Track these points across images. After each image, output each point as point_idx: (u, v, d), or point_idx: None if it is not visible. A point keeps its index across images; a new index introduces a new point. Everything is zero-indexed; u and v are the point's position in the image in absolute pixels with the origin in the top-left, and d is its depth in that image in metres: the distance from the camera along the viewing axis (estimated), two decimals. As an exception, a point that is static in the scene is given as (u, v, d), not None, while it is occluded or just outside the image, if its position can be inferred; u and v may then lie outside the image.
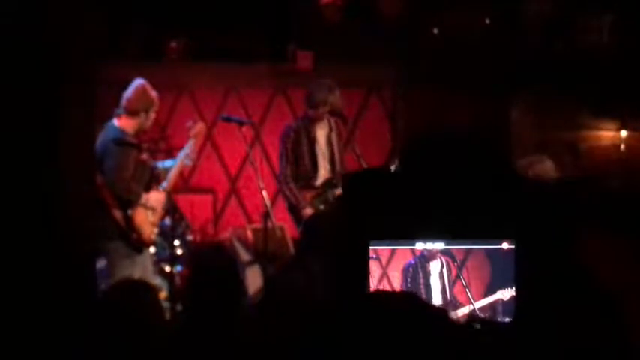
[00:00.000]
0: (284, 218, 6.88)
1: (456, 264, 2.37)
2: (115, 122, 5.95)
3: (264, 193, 6.24)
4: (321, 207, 6.55)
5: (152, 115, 6.06)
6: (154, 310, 3.01)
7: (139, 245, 5.89)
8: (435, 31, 8.85)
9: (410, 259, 2.40)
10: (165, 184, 6.05)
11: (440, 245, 2.37)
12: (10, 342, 3.16)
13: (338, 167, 6.70)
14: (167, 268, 6.44)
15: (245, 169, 8.12)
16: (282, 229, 6.63)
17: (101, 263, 6.01)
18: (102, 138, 5.87)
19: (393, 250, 2.44)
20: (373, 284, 2.38)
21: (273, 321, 3.14)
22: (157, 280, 6.33)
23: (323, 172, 6.66)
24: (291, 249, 6.84)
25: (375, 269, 2.37)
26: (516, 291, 2.36)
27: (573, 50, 8.67)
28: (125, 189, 5.82)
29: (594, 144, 8.73)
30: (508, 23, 8.82)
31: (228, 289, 3.37)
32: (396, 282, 2.39)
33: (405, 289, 2.37)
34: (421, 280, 2.39)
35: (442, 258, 2.39)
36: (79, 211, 3.35)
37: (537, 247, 2.34)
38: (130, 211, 5.87)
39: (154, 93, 6.02)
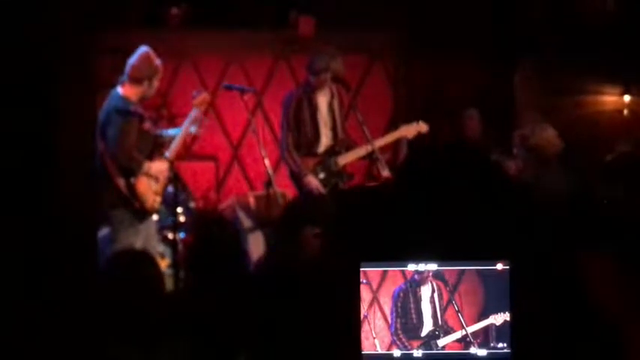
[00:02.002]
0: (286, 185, 6.90)
1: (447, 288, 2.37)
2: (119, 90, 5.94)
3: (266, 160, 6.25)
4: (322, 174, 6.56)
5: (156, 84, 6.05)
6: (154, 281, 3.04)
7: (141, 213, 5.93)
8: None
9: (401, 283, 2.39)
10: (168, 153, 6.06)
11: (432, 267, 2.36)
12: (11, 310, 3.20)
13: (339, 134, 6.71)
14: (170, 236, 6.47)
15: (247, 136, 8.13)
16: (284, 195, 6.65)
17: (104, 231, 6.05)
18: (105, 105, 5.89)
19: (384, 273, 2.41)
20: (364, 309, 2.37)
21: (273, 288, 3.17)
22: (160, 248, 6.37)
23: (324, 140, 6.66)
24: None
25: (365, 295, 2.36)
26: (511, 313, 2.36)
27: (576, 15, 8.62)
28: (127, 157, 5.84)
29: (597, 109, 8.71)
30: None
31: (228, 260, 3.40)
32: (386, 307, 2.39)
33: (395, 314, 2.37)
34: (412, 305, 2.38)
35: (433, 282, 2.38)
36: (78, 181, 3.36)
37: (533, 268, 2.35)
38: (132, 179, 5.89)
39: (158, 61, 6.01)
